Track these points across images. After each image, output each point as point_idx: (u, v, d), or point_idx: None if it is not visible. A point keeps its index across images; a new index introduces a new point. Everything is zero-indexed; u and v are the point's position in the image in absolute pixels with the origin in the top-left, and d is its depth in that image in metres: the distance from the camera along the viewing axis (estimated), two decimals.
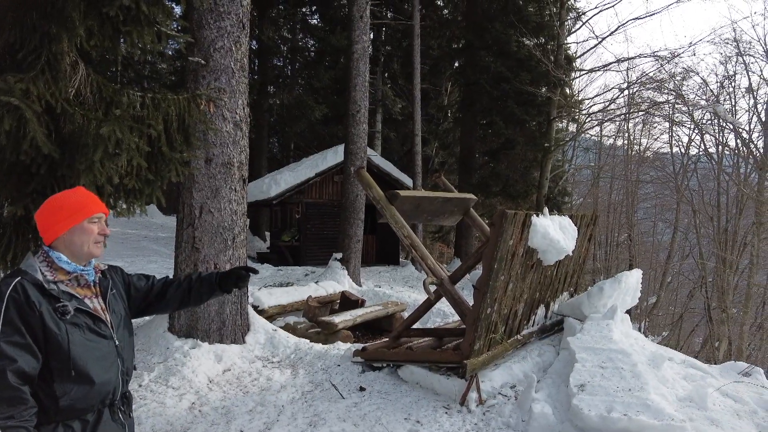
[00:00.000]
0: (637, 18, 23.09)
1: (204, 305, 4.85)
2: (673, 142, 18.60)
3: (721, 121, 14.95)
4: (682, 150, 17.98)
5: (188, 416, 3.68)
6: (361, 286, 9.95)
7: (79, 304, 1.64)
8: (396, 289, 10.37)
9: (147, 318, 6.12)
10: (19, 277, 1.58)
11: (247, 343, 5.04)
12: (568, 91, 16.70)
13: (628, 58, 15.72)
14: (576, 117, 17.01)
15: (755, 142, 14.62)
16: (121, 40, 3.75)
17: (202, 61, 4.72)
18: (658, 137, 26.40)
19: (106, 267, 1.86)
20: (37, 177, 3.33)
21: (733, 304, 14.49)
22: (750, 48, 20.22)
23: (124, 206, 3.89)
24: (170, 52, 17.33)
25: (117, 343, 1.73)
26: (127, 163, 3.45)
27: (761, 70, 27.32)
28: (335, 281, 8.67)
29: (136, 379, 4.14)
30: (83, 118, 3.29)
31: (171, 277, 2.15)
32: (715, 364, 5.44)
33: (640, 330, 13.58)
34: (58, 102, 3.25)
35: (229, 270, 2.08)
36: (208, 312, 4.87)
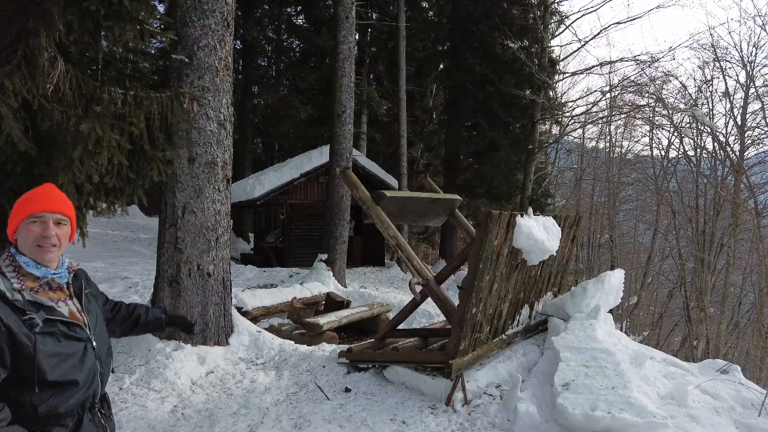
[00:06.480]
0: (618, 22, 23.44)
1: (187, 307, 4.78)
2: (654, 144, 19.00)
3: (699, 124, 15.30)
4: (662, 153, 18.39)
5: (170, 419, 3.61)
6: (346, 287, 9.91)
7: (48, 314, 1.54)
8: (381, 290, 10.36)
9: None
10: None
11: (230, 344, 4.97)
12: (551, 93, 16.93)
13: (610, 62, 16.02)
14: (559, 119, 17.25)
15: (732, 146, 15.01)
16: (102, 36, 3.68)
17: (186, 59, 4.65)
18: (638, 140, 26.96)
19: (78, 266, 1.77)
20: (13, 175, 3.24)
21: (710, 304, 14.83)
22: (726, 53, 20.73)
23: (105, 206, 3.81)
24: (153, 51, 17.08)
25: (95, 344, 1.67)
26: (108, 162, 3.38)
27: (737, 75, 28.02)
28: (320, 282, 8.62)
29: (116, 382, 4.05)
30: (62, 115, 3.21)
31: (124, 302, 2.15)
32: (694, 362, 5.54)
33: (621, 329, 13.79)
34: (36, 98, 3.17)
35: (177, 317, 2.22)
36: (191, 314, 4.79)
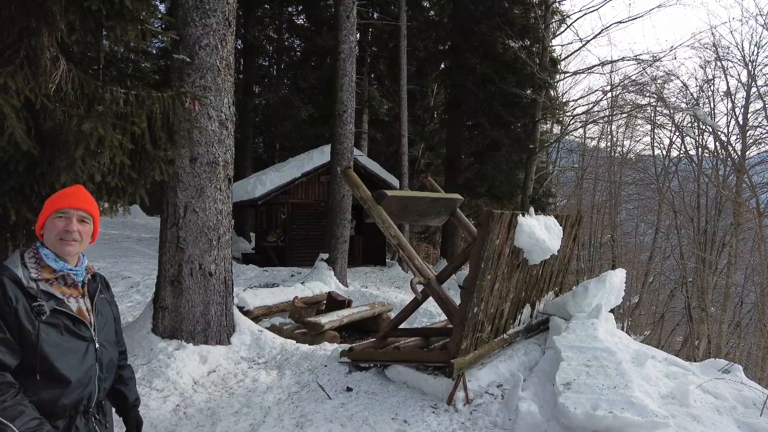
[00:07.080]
0: (620, 22, 23.51)
1: (188, 306, 4.79)
2: (655, 144, 19.02)
3: (700, 123, 15.27)
4: (664, 152, 18.36)
5: (172, 418, 3.62)
6: (347, 286, 9.92)
7: (57, 305, 1.59)
8: (383, 290, 10.37)
9: (130, 319, 6.01)
10: None
11: (232, 344, 4.98)
12: (552, 93, 16.91)
13: (612, 61, 16.02)
14: (560, 119, 17.23)
15: (733, 145, 14.98)
16: (104, 36, 3.68)
17: (187, 59, 4.66)
18: (640, 139, 26.95)
19: (98, 270, 1.81)
20: (15, 174, 3.25)
21: (712, 303, 14.80)
22: (728, 53, 20.64)
23: (107, 205, 3.82)
24: (154, 51, 17.10)
25: (97, 346, 1.67)
26: (110, 161, 3.39)
27: (739, 75, 28.01)
28: (321, 282, 8.62)
29: None
30: (64, 115, 3.22)
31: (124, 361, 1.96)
32: (696, 361, 5.54)
33: (622, 329, 13.77)
34: (38, 97, 3.17)
35: (134, 420, 1.91)
36: (192, 313, 4.80)
